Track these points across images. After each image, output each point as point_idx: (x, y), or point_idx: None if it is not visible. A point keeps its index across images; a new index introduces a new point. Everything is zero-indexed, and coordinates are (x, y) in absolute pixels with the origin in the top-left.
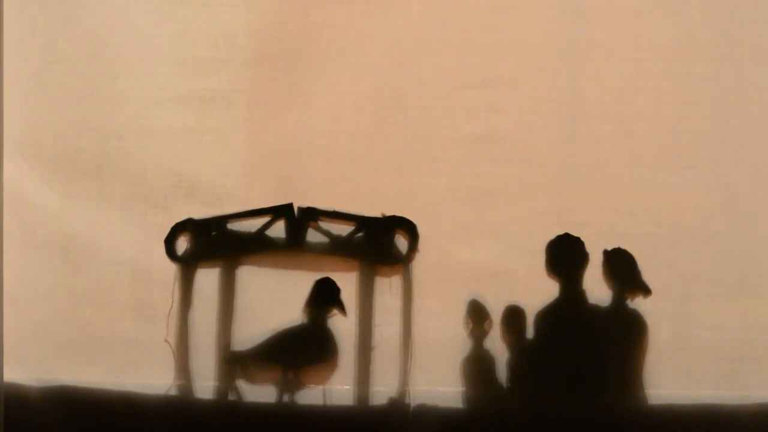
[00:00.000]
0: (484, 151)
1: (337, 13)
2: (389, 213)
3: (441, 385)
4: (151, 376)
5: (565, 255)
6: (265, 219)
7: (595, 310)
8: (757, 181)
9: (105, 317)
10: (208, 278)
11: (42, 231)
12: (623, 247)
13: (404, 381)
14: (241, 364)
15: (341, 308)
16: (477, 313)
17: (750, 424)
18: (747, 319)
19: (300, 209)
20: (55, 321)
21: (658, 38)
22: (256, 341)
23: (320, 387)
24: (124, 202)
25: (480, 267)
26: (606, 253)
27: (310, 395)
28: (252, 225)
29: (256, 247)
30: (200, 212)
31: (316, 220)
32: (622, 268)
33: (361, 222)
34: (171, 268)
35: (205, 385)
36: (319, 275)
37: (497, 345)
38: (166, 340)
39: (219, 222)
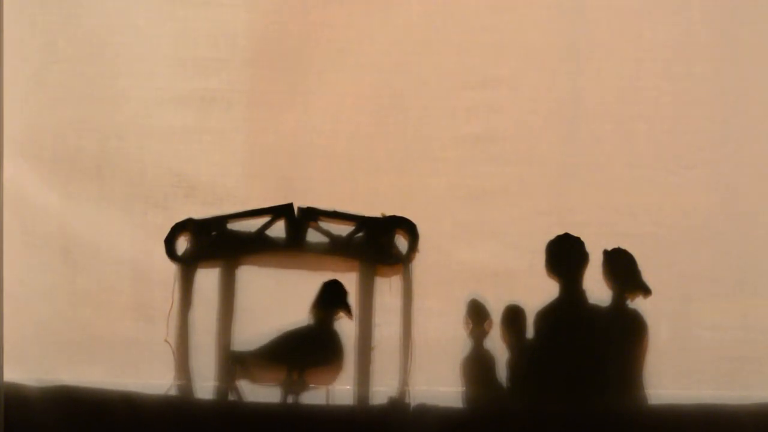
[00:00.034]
0: (484, 151)
1: (337, 13)
2: (389, 213)
3: (441, 385)
4: (151, 376)
5: (565, 255)
6: (265, 219)
7: (595, 310)
8: (757, 181)
9: (105, 317)
10: (208, 278)
11: (42, 231)
12: (623, 247)
13: (404, 381)
14: (245, 364)
15: (348, 311)
16: (477, 313)
17: (750, 424)
18: (747, 319)
19: (300, 209)
20: (55, 321)
21: (658, 38)
22: (260, 341)
23: (321, 387)
24: (124, 202)
25: (480, 267)
26: (606, 253)
27: (311, 395)
28: (252, 225)
29: (256, 247)
30: (200, 212)
31: (316, 220)
32: (622, 268)
33: (361, 222)
34: (171, 268)
35: (205, 385)
36: (319, 275)
37: (497, 345)
38: (166, 340)
39: (219, 222)
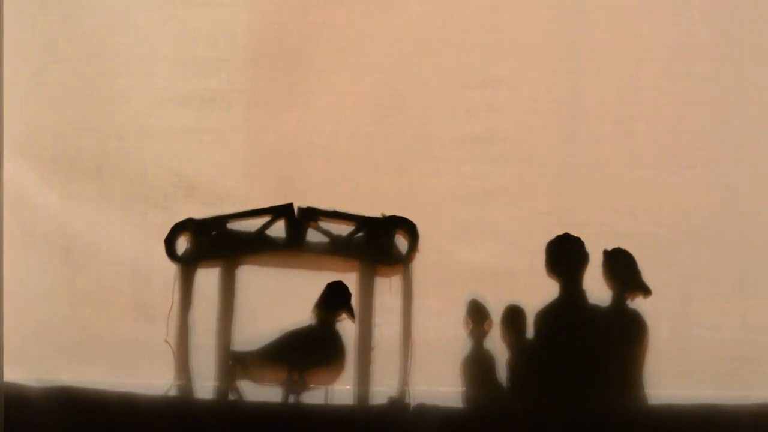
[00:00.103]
0: (484, 151)
1: (337, 13)
2: (389, 213)
3: (441, 385)
4: (151, 376)
5: (565, 255)
6: (265, 219)
7: (595, 310)
8: (757, 181)
9: (105, 317)
10: (208, 278)
11: (42, 231)
12: (623, 247)
13: (404, 381)
14: (245, 364)
15: (350, 313)
16: (477, 313)
17: (750, 424)
18: (747, 319)
19: (300, 209)
20: (55, 321)
21: (658, 38)
22: (260, 341)
23: (321, 387)
24: (124, 202)
25: (480, 267)
26: (606, 253)
27: (311, 395)
28: (252, 225)
29: (256, 247)
30: (200, 212)
31: (316, 220)
32: (622, 268)
33: (361, 222)
34: (171, 268)
35: (205, 385)
36: (319, 275)
37: (497, 345)
38: (166, 340)
39: (219, 222)
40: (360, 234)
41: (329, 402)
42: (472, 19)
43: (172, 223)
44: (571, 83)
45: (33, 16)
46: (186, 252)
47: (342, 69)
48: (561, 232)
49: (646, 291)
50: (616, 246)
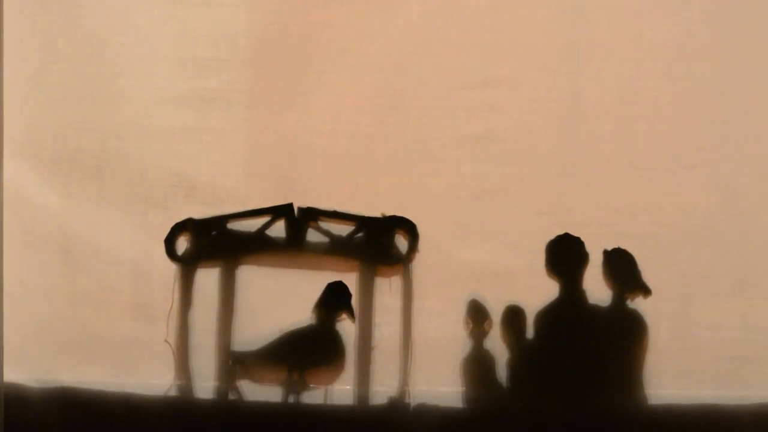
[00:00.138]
0: (484, 151)
1: (337, 13)
2: (389, 213)
3: (441, 385)
4: (151, 376)
5: (565, 255)
6: (265, 219)
7: (595, 310)
8: (757, 181)
9: (105, 317)
10: (208, 278)
11: (42, 231)
12: (623, 247)
13: (404, 381)
14: (245, 364)
15: (350, 313)
16: (477, 313)
17: (750, 424)
18: (747, 319)
19: (300, 209)
20: (55, 321)
21: (658, 38)
22: (260, 341)
23: (321, 387)
24: (124, 202)
25: (480, 267)
26: (606, 253)
27: (311, 395)
28: (252, 225)
29: (256, 247)
30: (200, 212)
31: (316, 220)
32: (622, 268)
33: (361, 222)
34: (171, 268)
35: (205, 385)
36: (319, 275)
37: (497, 345)
38: (166, 340)
39: (219, 222)
40: (360, 234)
41: (329, 402)
42: (472, 19)
43: (172, 223)
44: (571, 83)
45: (33, 16)
46: (186, 252)
47: (342, 69)
48: (561, 232)
49: (646, 291)
50: (616, 246)
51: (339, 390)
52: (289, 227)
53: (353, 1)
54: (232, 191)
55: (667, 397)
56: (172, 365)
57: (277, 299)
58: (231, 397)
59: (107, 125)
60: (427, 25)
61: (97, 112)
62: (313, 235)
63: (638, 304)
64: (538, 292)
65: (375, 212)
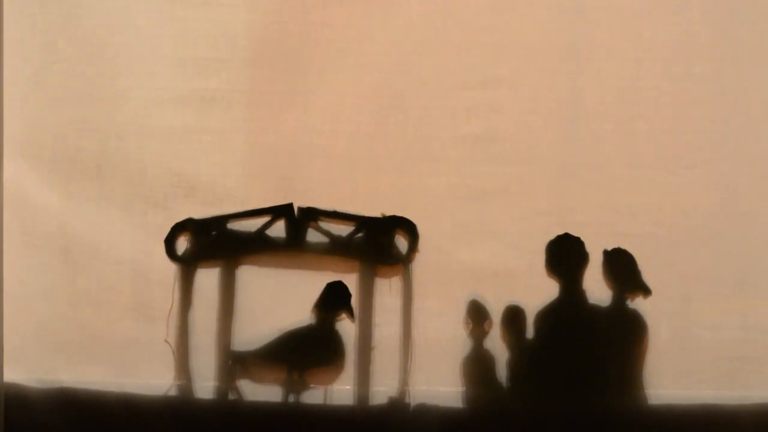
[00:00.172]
0: (484, 151)
1: (337, 13)
2: (389, 213)
3: (441, 385)
4: (151, 376)
5: (565, 255)
6: (265, 219)
7: (595, 310)
8: (757, 181)
9: (105, 317)
10: (208, 278)
11: (42, 231)
12: (623, 247)
13: (404, 381)
14: (245, 364)
15: (350, 313)
16: (477, 313)
17: (750, 424)
18: (747, 319)
19: (300, 209)
20: (55, 321)
21: (658, 38)
22: (260, 341)
23: (321, 387)
24: (124, 202)
25: (480, 267)
26: (606, 253)
27: (311, 395)
28: (252, 225)
29: (256, 247)
30: (200, 212)
31: (316, 220)
32: (622, 268)
33: (361, 222)
34: (171, 268)
35: (205, 385)
36: (319, 275)
37: (497, 345)
38: (166, 340)
39: (219, 222)
40: (360, 234)
41: (329, 402)
42: (472, 19)
43: (172, 223)
44: (571, 83)
45: (33, 16)
46: (186, 252)
47: (342, 69)
48: (561, 232)
49: (646, 291)
50: (616, 246)
51: (339, 390)
52: (289, 227)
53: (353, 1)
54: (232, 191)
55: (667, 397)
56: (172, 365)
57: (277, 299)
58: (231, 397)
59: (107, 125)
60: (427, 25)
61: (97, 112)
62: (313, 235)
63: (638, 304)
64: (538, 292)
65: (375, 212)
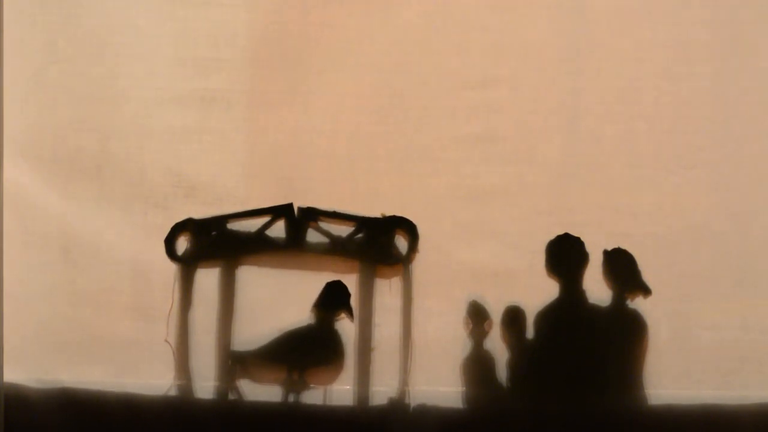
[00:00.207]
0: (484, 151)
1: (337, 13)
2: (389, 213)
3: (441, 385)
4: (151, 376)
5: (565, 255)
6: (265, 219)
7: (595, 310)
8: (757, 181)
9: (105, 317)
10: (208, 278)
11: (42, 231)
12: (623, 247)
13: (404, 381)
14: (245, 364)
15: (349, 313)
16: (477, 314)
17: (750, 424)
18: (747, 319)
19: (300, 209)
20: (55, 321)
21: (658, 38)
22: (260, 341)
23: (321, 387)
24: (124, 202)
25: (480, 267)
26: (606, 253)
27: (311, 395)
28: (252, 225)
29: (256, 247)
30: (200, 212)
31: (316, 220)
32: (622, 268)
33: (361, 222)
34: (171, 268)
35: (205, 385)
36: (319, 275)
37: (497, 345)
38: (166, 340)
39: (219, 222)
40: (360, 234)
41: (329, 402)
42: (472, 19)
43: (172, 223)
44: (571, 83)
45: (33, 16)
46: (186, 252)
47: (342, 69)
48: (561, 232)
49: (646, 291)
50: (616, 246)
51: (339, 390)
52: (289, 227)
53: (353, 1)
54: (232, 191)
55: (667, 397)
56: (172, 365)
57: (277, 299)
58: (231, 397)
59: (107, 125)
60: (427, 25)
61: (97, 112)
62: (313, 235)
63: (638, 304)
64: (538, 292)
65: (375, 212)
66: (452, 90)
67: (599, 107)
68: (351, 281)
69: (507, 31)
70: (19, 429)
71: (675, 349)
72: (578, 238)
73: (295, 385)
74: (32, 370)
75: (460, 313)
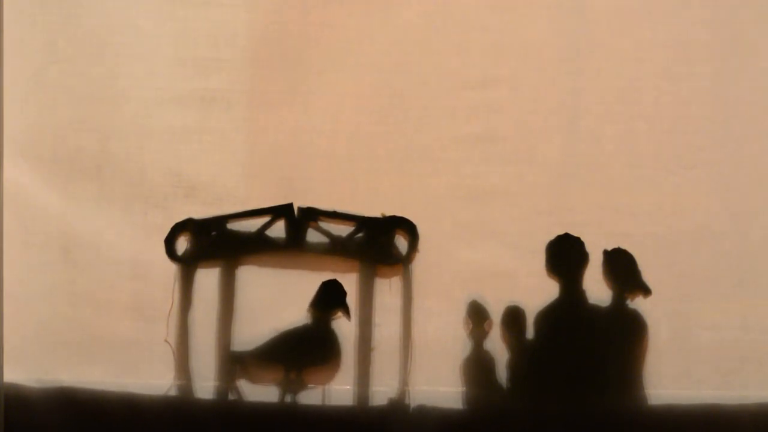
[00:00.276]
0: (484, 151)
1: (337, 13)
2: (389, 213)
3: (441, 385)
4: (151, 376)
5: (565, 255)
6: (265, 219)
7: (595, 310)
8: (757, 181)
9: (105, 317)
10: (208, 278)
11: (42, 231)
12: (623, 247)
13: (404, 381)
14: (243, 364)
15: (346, 312)
16: (477, 314)
17: (750, 424)
18: (747, 319)
19: (300, 209)
20: (55, 321)
21: (658, 38)
22: (258, 341)
23: (321, 387)
24: (124, 202)
25: (480, 267)
26: (606, 253)
27: (311, 395)
28: (252, 225)
29: (256, 247)
30: (200, 212)
31: (316, 220)
32: (622, 268)
33: (361, 222)
34: (171, 268)
35: (205, 385)
36: (319, 275)
37: (497, 345)
38: (166, 340)
39: (219, 222)
40: (360, 234)
41: (329, 402)
42: (472, 19)
43: (172, 223)
44: (571, 83)
45: (33, 16)
46: (186, 252)
47: (342, 69)
48: (561, 232)
49: (646, 291)
50: (616, 246)
51: (339, 390)
52: (289, 227)
53: (353, 1)
54: (232, 191)
55: (667, 397)
56: (172, 365)
57: (277, 299)
58: (231, 397)
59: (107, 125)
60: (427, 25)
61: (97, 112)
62: (313, 235)
63: (638, 304)
64: (538, 292)
65: (375, 212)
66: (452, 90)
67: (599, 107)
68: (351, 281)
69: (507, 31)
70: (19, 429)
71: (675, 349)
72: (578, 238)
73: (293, 385)
74: (32, 370)
75: (460, 313)
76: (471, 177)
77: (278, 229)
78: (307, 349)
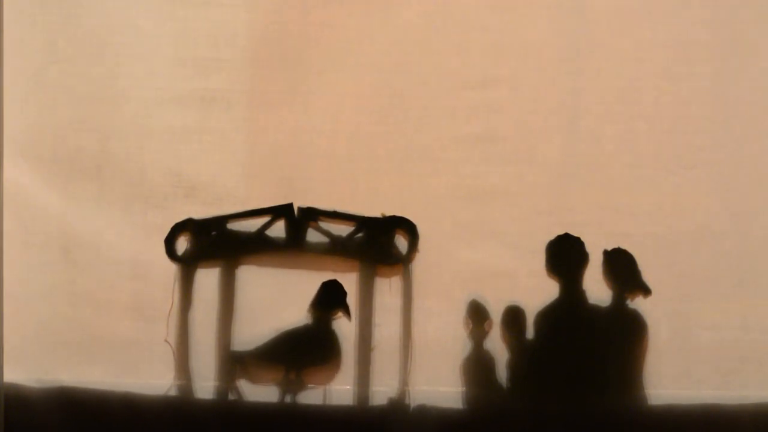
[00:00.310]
0: (484, 151)
1: (337, 13)
2: (389, 213)
3: (441, 385)
4: (151, 376)
5: (565, 255)
6: (265, 219)
7: (595, 310)
8: (757, 181)
9: (105, 317)
10: (208, 278)
11: (42, 231)
12: (623, 247)
13: (404, 381)
14: (243, 364)
15: (347, 312)
16: (477, 314)
17: (750, 424)
18: (747, 319)
19: (300, 209)
20: (55, 321)
21: (658, 38)
22: (258, 341)
23: (321, 387)
24: (124, 202)
25: (480, 267)
26: (606, 253)
27: (311, 395)
28: (252, 225)
29: (256, 247)
30: (200, 212)
31: (316, 220)
32: (622, 268)
33: (361, 222)
34: (171, 268)
35: (205, 385)
36: (319, 275)
37: (497, 345)
38: (166, 340)
39: (219, 222)
40: (360, 234)
41: (329, 402)
42: (472, 19)
43: (172, 223)
44: (571, 83)
45: (33, 16)
46: (186, 252)
47: (342, 69)
48: (561, 232)
49: (646, 291)
50: (616, 246)
51: (339, 390)
52: (289, 227)
53: (353, 1)
54: (232, 191)
55: (667, 397)
56: (172, 365)
57: (277, 299)
58: (231, 397)
59: (107, 125)
60: (427, 25)
61: (97, 112)
62: (313, 235)
63: (638, 304)
64: (538, 292)
65: (375, 212)
66: (452, 90)
67: (599, 107)
68: (351, 281)
69: (507, 31)
70: (19, 429)
71: (675, 349)
72: (578, 238)
73: (293, 385)
74: (32, 370)
75: (460, 313)
76: (471, 177)
77: (278, 229)
78: (307, 349)
